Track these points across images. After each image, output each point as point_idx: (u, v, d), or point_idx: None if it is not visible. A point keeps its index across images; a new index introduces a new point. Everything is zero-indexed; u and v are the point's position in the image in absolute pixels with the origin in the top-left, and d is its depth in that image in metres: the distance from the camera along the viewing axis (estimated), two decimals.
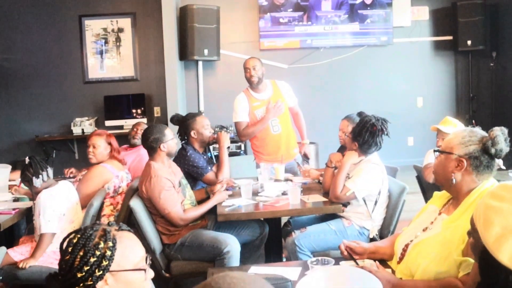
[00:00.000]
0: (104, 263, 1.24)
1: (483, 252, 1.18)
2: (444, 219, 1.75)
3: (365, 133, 2.87)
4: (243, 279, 0.79)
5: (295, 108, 4.12)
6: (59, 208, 2.90)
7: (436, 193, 1.96)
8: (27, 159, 3.00)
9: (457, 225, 1.65)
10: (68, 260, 1.25)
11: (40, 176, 2.92)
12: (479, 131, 1.75)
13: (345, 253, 2.00)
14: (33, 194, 2.99)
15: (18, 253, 2.91)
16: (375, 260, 1.89)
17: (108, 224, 1.33)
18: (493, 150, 1.67)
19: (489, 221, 1.17)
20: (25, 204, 3.29)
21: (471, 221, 1.26)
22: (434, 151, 1.86)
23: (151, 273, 1.35)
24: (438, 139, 3.39)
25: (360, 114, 3.23)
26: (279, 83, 4.03)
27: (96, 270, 1.23)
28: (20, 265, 2.79)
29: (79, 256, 1.24)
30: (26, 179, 2.95)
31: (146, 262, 1.33)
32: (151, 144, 2.96)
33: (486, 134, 1.72)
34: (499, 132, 1.69)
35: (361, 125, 2.91)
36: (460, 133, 1.76)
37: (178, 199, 2.92)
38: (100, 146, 3.45)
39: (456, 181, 1.72)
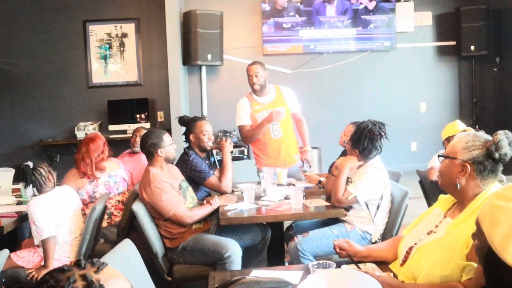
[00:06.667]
0: None
1: (488, 253, 1.17)
2: (449, 223, 1.73)
3: (364, 140, 2.87)
4: None
5: (298, 114, 4.09)
6: (52, 216, 2.83)
7: (441, 196, 1.94)
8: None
9: (462, 229, 1.64)
10: None
11: (32, 184, 2.94)
12: (483, 135, 1.73)
13: (338, 249, 2.03)
14: None
15: (21, 257, 2.91)
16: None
17: (80, 265, 0.99)
18: (497, 155, 1.65)
19: (495, 220, 1.16)
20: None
21: (476, 223, 1.24)
22: (439, 156, 1.85)
23: None
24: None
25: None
26: (283, 89, 4.01)
27: None
28: (32, 275, 2.79)
29: None
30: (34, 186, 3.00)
31: None
32: (149, 149, 2.97)
33: (490, 138, 1.69)
34: (503, 136, 1.66)
35: (359, 132, 2.90)
36: (464, 138, 1.74)
37: (180, 199, 2.94)
38: None
39: (461, 186, 1.71)
